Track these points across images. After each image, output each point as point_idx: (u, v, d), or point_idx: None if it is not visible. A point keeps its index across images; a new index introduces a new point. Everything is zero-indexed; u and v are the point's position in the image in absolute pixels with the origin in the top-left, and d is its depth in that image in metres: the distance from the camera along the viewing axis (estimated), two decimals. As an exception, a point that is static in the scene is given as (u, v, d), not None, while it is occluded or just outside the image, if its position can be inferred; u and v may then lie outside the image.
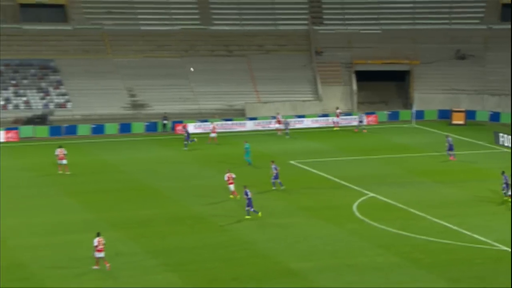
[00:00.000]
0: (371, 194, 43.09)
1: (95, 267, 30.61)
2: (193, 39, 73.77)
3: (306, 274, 30.78)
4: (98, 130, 62.10)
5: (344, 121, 66.10)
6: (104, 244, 30.80)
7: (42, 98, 65.44)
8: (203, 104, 68.49)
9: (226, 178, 41.77)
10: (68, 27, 71.27)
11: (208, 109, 68.11)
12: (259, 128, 64.59)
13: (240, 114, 67.71)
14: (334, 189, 44.51)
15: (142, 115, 66.03)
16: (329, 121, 66.07)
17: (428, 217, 38.62)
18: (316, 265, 31.71)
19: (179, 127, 63.03)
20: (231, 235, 35.59)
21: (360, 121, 63.50)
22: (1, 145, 57.28)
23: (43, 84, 66.63)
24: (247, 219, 37.75)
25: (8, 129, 59.83)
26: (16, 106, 64.25)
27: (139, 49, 71.80)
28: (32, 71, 67.46)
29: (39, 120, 62.76)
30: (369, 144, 58.28)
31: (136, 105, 67.35)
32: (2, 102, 64.09)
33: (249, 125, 65.14)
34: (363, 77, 72.23)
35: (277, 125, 62.20)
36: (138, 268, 31.11)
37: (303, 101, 69.87)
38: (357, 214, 39.31)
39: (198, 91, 69.66)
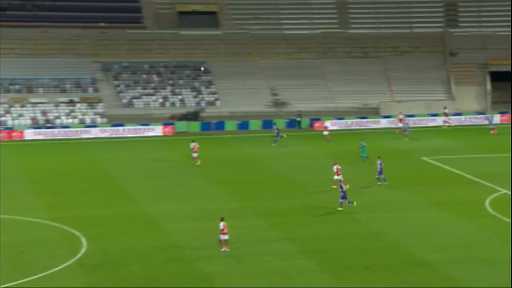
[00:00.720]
0: (504, 191, 40.96)
1: (222, 249, 31.08)
2: (331, 42, 73.56)
3: (437, 265, 29.72)
4: (243, 126, 63.21)
5: (476, 120, 63.92)
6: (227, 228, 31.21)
7: (195, 97, 67.48)
8: (340, 103, 68.12)
9: (335, 170, 41.27)
10: (219, 32, 73.06)
11: (344, 107, 67.71)
12: (393, 125, 63.32)
13: (374, 112, 66.78)
14: (466, 185, 42.74)
15: (283, 112, 66.55)
16: (462, 119, 63.98)
17: None
18: (448, 257, 30.54)
19: (316, 124, 63.14)
20: (364, 226, 35.03)
21: (490, 122, 60.85)
22: (159, 138, 59.68)
23: (196, 84, 68.70)
24: (340, 210, 37.05)
25: (165, 124, 62.18)
26: (173, 104, 66.66)
27: (282, 52, 72.44)
28: (187, 72, 69.72)
29: (192, 116, 64.75)
30: (502, 142, 55.55)
31: (277, 103, 68.00)
32: (161, 100, 66.70)
33: (383, 123, 64.07)
34: (498, 77, 69.24)
35: (399, 124, 60.64)
36: (278, 253, 31.30)
37: (436, 100, 67.85)
38: (490, 210, 37.50)
39: (335, 90, 69.38)
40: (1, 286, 27.18)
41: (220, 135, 60.93)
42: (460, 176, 44.90)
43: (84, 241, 32.44)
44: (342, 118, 64.40)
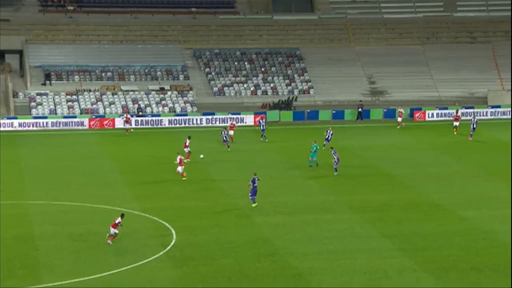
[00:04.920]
0: None
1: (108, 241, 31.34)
2: (435, 26, 71.86)
3: (550, 270, 28.53)
4: (338, 115, 62.76)
5: None
6: (120, 225, 31.40)
7: (288, 85, 67.54)
8: (443, 92, 66.55)
9: (178, 161, 41.40)
10: (314, 17, 72.76)
11: (447, 96, 66.12)
12: (503, 116, 61.34)
13: (482, 102, 64.75)
14: None
15: (380, 101, 65.62)
16: None
17: None
18: (562, 262, 29.25)
19: (417, 114, 61.91)
20: (469, 224, 34.10)
21: None
22: (250, 128, 60.08)
23: (289, 72, 68.73)
24: (253, 207, 36.32)
25: (256, 113, 62.53)
26: (264, 92, 67.00)
27: (380, 37, 71.40)
28: (280, 59, 69.86)
29: (284, 105, 64.85)
30: None
31: (375, 92, 67.09)
32: (252, 88, 67.17)
33: (489, 113, 62.16)
34: None
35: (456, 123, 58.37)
36: (375, 251, 30.93)
37: (553, 89, 65.10)
38: None
39: (438, 78, 67.82)
40: (91, 277, 28.18)
41: (313, 125, 60.73)
42: None
43: (173, 233, 33.16)
44: (445, 108, 62.87)
